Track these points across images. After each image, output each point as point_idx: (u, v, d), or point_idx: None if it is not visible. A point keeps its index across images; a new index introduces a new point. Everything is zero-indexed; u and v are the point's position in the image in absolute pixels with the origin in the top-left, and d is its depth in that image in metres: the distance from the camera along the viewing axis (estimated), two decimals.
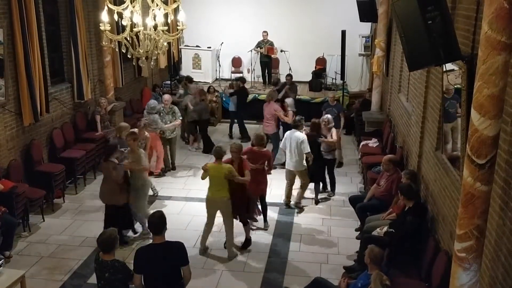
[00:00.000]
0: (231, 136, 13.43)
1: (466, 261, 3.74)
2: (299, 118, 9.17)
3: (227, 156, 7.82)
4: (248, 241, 7.84)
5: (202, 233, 7.73)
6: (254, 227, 8.38)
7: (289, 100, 11.93)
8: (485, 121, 3.44)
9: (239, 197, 7.47)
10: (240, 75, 17.05)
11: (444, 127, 6.21)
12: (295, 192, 9.35)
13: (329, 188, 9.89)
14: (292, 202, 9.31)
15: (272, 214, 8.91)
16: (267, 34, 15.59)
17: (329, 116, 9.85)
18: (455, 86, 5.55)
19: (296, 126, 9.02)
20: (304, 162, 8.95)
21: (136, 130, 8.66)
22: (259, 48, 15.64)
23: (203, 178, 7.54)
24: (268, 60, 15.88)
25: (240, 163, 7.57)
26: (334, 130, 9.62)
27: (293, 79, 13.81)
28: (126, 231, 8.01)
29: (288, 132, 9.16)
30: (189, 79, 13.79)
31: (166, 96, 11.08)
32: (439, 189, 6.21)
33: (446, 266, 4.89)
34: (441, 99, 6.26)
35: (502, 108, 3.47)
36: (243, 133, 13.25)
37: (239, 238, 7.88)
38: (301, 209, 9.17)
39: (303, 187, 9.22)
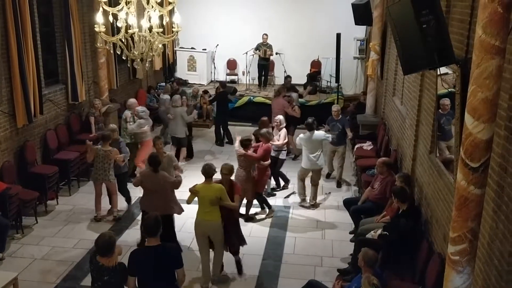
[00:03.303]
0: (220, 144, 13.17)
1: (460, 264, 3.75)
2: (313, 120, 9.33)
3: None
4: (240, 263, 7.22)
5: (202, 266, 6.92)
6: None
7: (294, 95, 12.27)
8: (478, 124, 3.46)
9: (229, 223, 6.87)
10: (235, 77, 17.13)
11: (441, 144, 6.12)
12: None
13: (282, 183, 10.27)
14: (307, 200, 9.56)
15: (267, 216, 8.93)
16: (267, 37, 15.60)
17: (280, 117, 10.11)
18: (449, 90, 5.57)
19: (313, 128, 9.22)
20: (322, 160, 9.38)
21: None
22: (257, 51, 15.66)
23: (188, 202, 6.89)
24: (265, 63, 15.92)
25: (231, 186, 6.92)
26: (283, 131, 9.85)
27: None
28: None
29: (306, 135, 9.21)
30: (180, 83, 13.78)
31: (135, 100, 10.77)
32: (433, 192, 6.23)
33: (439, 269, 4.91)
34: (435, 103, 6.29)
35: (495, 111, 3.49)
36: (219, 139, 13.13)
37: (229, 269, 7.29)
38: (316, 206, 9.49)
39: (317, 185, 9.51)
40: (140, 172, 7.41)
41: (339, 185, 10.51)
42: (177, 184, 7.44)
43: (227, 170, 6.99)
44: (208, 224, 6.70)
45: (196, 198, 6.78)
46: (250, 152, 8.57)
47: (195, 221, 6.83)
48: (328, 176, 10.73)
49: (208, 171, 6.71)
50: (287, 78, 13.92)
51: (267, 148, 8.71)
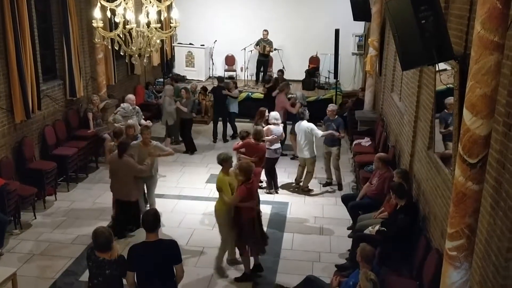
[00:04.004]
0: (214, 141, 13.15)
1: (457, 260, 3.76)
2: (302, 110, 9.78)
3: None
4: (244, 276, 6.96)
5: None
6: None
7: (298, 93, 12.33)
8: (477, 120, 3.46)
9: (234, 221, 6.85)
10: (233, 73, 17.09)
11: (448, 145, 5.99)
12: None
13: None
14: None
15: (264, 213, 8.91)
16: (268, 33, 15.56)
17: (273, 113, 9.98)
18: (447, 86, 5.57)
19: (301, 117, 9.71)
20: (314, 150, 9.66)
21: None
22: (258, 47, 15.64)
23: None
24: (265, 59, 15.88)
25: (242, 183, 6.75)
26: (266, 128, 9.73)
27: (287, 78, 13.87)
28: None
29: (296, 124, 9.85)
30: (175, 78, 13.78)
31: (131, 96, 10.71)
32: (431, 188, 6.24)
33: (437, 265, 4.92)
34: (433, 99, 6.29)
35: (494, 107, 3.49)
36: (214, 136, 13.17)
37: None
38: (309, 191, 9.88)
39: (310, 173, 9.85)
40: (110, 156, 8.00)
41: (340, 187, 10.06)
42: (139, 171, 7.71)
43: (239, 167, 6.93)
44: (215, 210, 7.05)
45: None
46: (238, 144, 8.89)
47: None
48: (325, 184, 10.19)
49: (217, 159, 7.07)
50: (279, 72, 13.89)
51: (244, 142, 8.70)
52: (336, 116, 10.09)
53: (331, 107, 10.24)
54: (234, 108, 13.07)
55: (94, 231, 4.88)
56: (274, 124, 9.72)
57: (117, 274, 4.86)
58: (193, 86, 14.19)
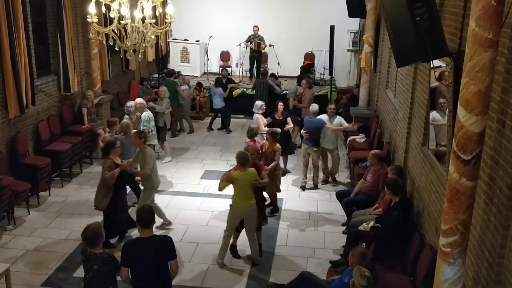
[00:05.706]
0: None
1: (451, 256, 3.78)
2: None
3: None
4: (260, 245, 7.41)
5: (222, 244, 7.19)
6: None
7: (293, 88, 12.88)
8: (471, 117, 3.47)
9: (258, 202, 7.23)
10: (228, 69, 17.05)
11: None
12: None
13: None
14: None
15: None
16: (258, 29, 15.54)
17: (259, 102, 9.98)
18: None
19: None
20: (318, 142, 9.80)
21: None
22: (249, 43, 15.60)
23: (222, 189, 6.99)
24: (257, 55, 15.83)
25: (255, 166, 7.15)
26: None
27: (282, 74, 13.91)
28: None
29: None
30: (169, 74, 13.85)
31: (139, 100, 10.10)
32: (425, 185, 6.26)
33: (431, 261, 4.94)
34: (428, 95, 6.30)
35: (488, 104, 3.51)
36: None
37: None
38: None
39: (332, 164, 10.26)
40: None
41: (316, 187, 9.96)
42: (106, 178, 7.13)
43: (253, 150, 7.37)
44: (247, 209, 6.94)
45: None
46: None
47: (232, 208, 7.00)
48: (324, 182, 10.19)
49: (246, 158, 6.90)
50: (265, 74, 14.02)
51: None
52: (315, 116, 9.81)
53: (313, 107, 10.00)
54: (215, 104, 13.56)
55: (86, 226, 4.90)
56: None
57: (105, 270, 4.83)
58: (186, 80, 14.06)
